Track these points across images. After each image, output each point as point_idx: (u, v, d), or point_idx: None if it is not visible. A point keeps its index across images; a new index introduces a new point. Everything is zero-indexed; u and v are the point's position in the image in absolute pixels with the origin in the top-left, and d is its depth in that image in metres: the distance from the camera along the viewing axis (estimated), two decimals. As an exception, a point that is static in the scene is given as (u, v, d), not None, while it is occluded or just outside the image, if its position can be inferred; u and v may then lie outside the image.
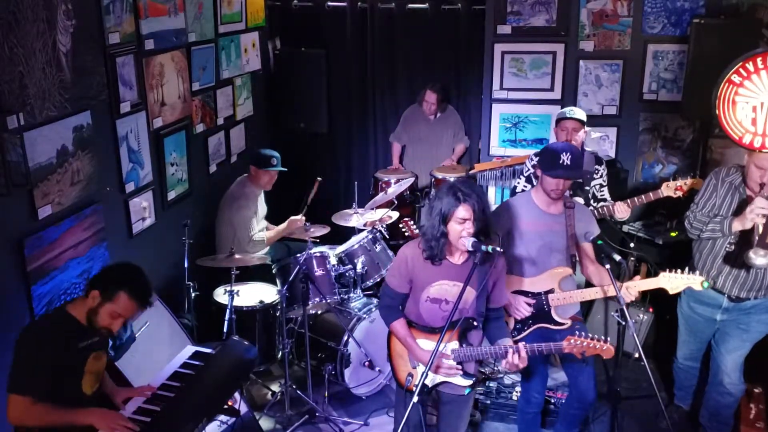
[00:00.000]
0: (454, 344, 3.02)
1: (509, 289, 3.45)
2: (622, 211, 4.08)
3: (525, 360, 2.93)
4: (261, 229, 4.92)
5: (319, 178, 5.01)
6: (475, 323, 2.99)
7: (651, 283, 3.35)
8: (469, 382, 3.06)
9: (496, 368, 4.40)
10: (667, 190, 4.05)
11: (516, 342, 3.53)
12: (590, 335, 2.99)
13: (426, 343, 3.07)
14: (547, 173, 3.34)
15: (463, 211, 2.84)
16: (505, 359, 2.95)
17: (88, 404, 2.85)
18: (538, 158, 3.52)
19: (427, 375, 2.83)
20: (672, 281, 3.31)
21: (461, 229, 2.86)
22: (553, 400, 4.13)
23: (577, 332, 3.03)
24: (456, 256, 3.01)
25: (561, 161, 3.32)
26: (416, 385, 2.82)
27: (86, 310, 2.76)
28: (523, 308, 3.45)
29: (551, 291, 3.46)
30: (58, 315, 2.84)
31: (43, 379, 2.66)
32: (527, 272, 3.49)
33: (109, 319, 2.76)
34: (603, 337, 2.99)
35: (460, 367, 3.03)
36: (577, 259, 3.54)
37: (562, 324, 3.49)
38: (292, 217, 4.91)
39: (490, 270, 2.92)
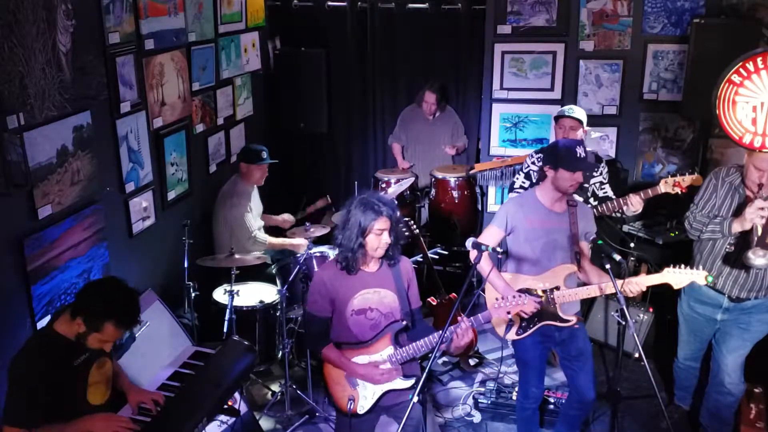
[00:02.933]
0: (389, 350, 3.08)
1: (515, 287, 3.46)
2: (636, 203, 4.02)
3: (470, 331, 2.98)
4: (259, 227, 4.92)
5: (329, 198, 4.99)
6: (404, 322, 3.08)
7: (656, 279, 3.35)
8: (410, 382, 3.09)
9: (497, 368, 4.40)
10: (666, 186, 4.02)
11: (516, 341, 3.58)
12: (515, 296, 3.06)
13: (363, 359, 3.11)
14: (567, 168, 3.32)
15: (381, 223, 2.96)
16: (451, 342, 2.97)
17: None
18: (545, 157, 3.50)
19: (427, 372, 2.82)
20: (676, 276, 3.32)
21: (379, 239, 2.98)
22: (552, 400, 4.13)
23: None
24: (370, 264, 3.11)
25: (579, 155, 3.35)
26: (415, 386, 2.83)
27: (74, 333, 2.67)
28: (530, 305, 3.44)
29: (557, 288, 3.47)
30: (46, 336, 2.72)
31: (38, 410, 2.60)
32: (532, 270, 3.49)
33: (98, 344, 2.71)
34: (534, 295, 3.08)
35: (398, 368, 3.08)
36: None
37: (568, 321, 3.49)
38: (301, 240, 4.82)
39: (402, 270, 3.07)
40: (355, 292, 3.08)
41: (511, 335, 3.54)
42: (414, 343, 3.05)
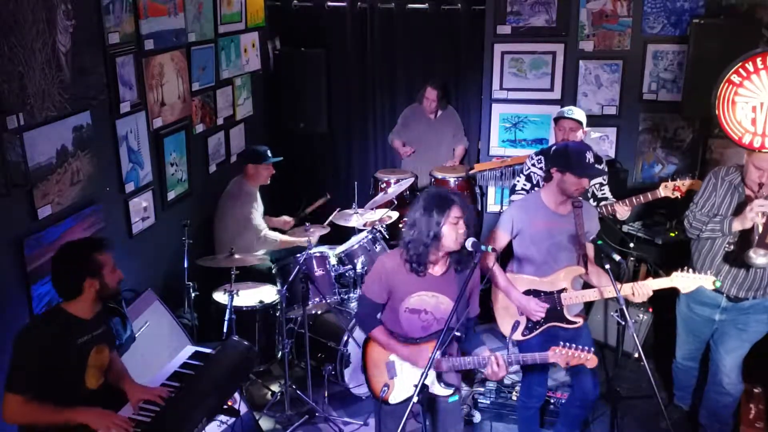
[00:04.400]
0: (436, 354, 3.04)
1: (522, 289, 3.47)
2: (622, 211, 4.08)
3: (504, 369, 2.96)
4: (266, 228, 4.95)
5: (328, 195, 4.95)
6: (458, 333, 3.00)
7: (664, 283, 3.34)
8: (449, 391, 3.09)
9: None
10: (665, 190, 4.05)
11: (521, 342, 3.58)
12: (573, 345, 3.00)
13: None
14: (575, 173, 3.32)
15: (456, 210, 2.89)
16: (486, 368, 2.97)
17: (92, 399, 2.87)
18: (553, 158, 3.50)
19: (427, 375, 2.82)
20: (684, 281, 3.32)
21: (456, 228, 2.89)
22: (552, 400, 4.13)
23: (565, 343, 3.02)
24: (436, 267, 3.04)
25: (588, 160, 3.35)
26: (416, 385, 2.82)
27: (93, 297, 2.82)
28: (538, 310, 3.44)
29: (564, 290, 3.46)
30: (54, 313, 2.85)
31: (37, 379, 2.68)
32: (537, 272, 3.50)
33: (114, 276, 2.88)
34: (588, 348, 3.00)
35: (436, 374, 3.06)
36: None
37: (574, 323, 3.49)
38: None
39: (469, 279, 2.94)
40: (413, 291, 3.03)
41: (517, 336, 3.53)
42: (459, 358, 3.05)
